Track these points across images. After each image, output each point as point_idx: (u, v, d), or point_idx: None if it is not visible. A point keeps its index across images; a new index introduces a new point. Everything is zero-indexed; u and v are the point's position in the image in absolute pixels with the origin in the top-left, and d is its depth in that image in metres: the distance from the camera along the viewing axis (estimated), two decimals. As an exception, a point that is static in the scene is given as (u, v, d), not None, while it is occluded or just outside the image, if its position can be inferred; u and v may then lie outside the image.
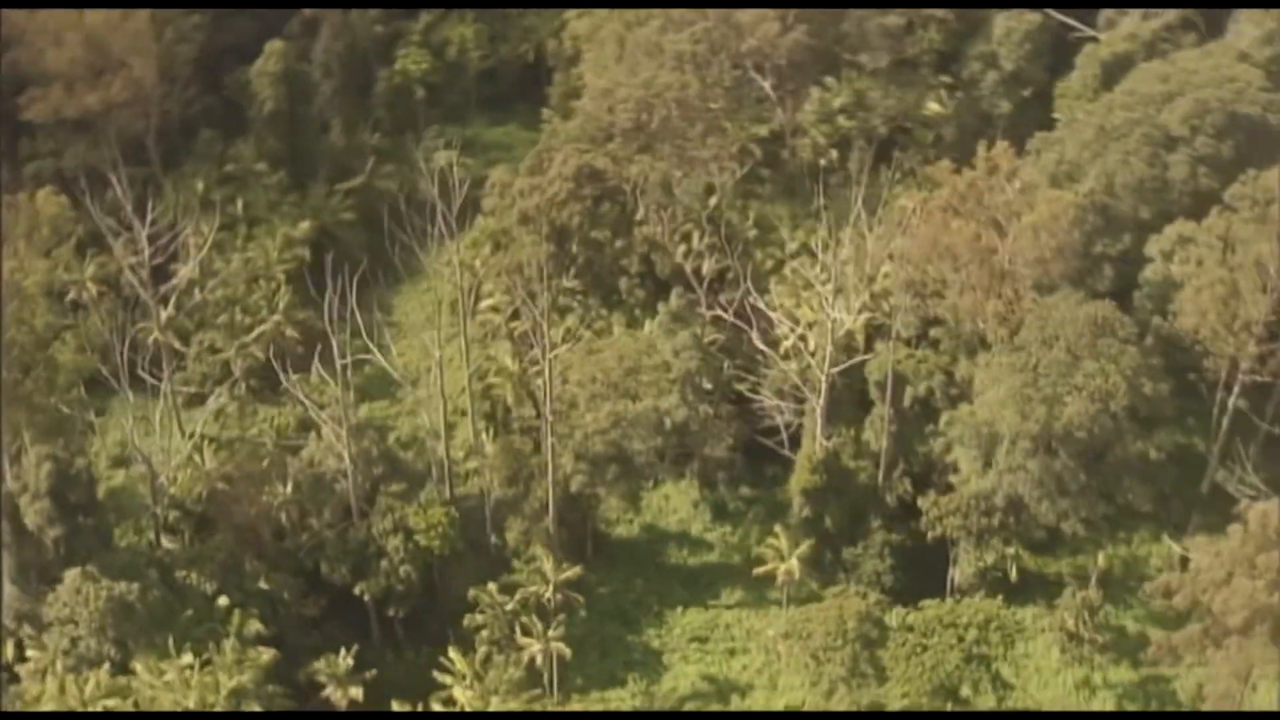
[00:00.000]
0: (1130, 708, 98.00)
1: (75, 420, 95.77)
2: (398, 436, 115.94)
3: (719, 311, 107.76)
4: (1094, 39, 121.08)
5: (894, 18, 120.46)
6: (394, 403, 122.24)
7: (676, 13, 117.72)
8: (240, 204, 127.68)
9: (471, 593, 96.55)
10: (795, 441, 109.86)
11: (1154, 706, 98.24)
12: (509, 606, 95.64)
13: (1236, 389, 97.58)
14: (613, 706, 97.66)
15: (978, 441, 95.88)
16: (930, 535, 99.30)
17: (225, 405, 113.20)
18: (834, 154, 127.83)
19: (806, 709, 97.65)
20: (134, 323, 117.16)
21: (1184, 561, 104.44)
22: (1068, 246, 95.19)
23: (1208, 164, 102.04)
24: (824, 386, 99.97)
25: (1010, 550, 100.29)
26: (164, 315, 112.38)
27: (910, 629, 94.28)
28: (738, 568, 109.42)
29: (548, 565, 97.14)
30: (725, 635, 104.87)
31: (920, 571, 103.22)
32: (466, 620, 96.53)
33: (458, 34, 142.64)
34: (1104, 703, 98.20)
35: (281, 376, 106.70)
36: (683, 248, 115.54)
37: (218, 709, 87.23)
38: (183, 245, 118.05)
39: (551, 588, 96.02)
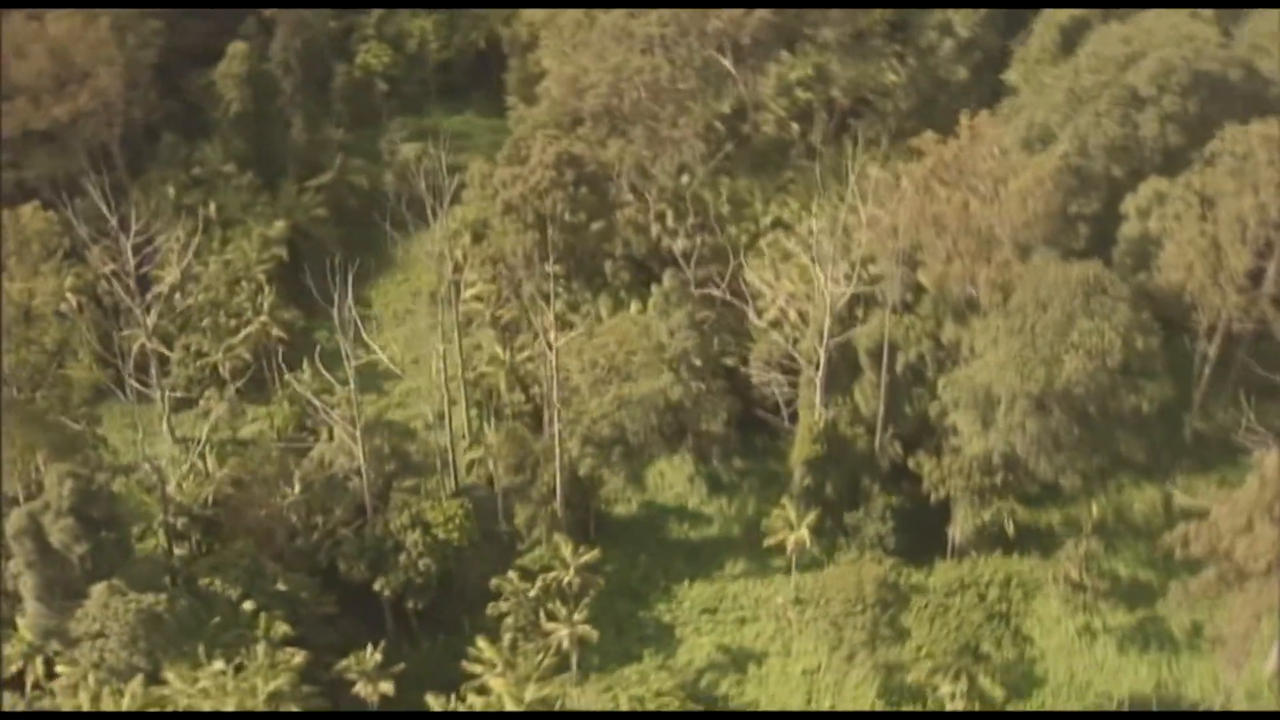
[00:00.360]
0: (1131, 650, 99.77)
1: (87, 435, 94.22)
2: (390, 428, 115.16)
3: (709, 290, 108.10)
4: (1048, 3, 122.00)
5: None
6: (381, 395, 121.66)
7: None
8: (213, 207, 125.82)
9: (494, 581, 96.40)
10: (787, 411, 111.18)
11: (1152, 647, 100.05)
12: (531, 593, 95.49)
13: (1217, 339, 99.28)
14: (633, 682, 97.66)
15: (975, 403, 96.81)
16: (934, 497, 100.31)
17: (218, 408, 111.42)
18: (795, 127, 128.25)
19: (826, 672, 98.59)
20: (118, 330, 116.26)
21: (1167, 504, 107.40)
22: (1052, 210, 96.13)
23: (1175, 121, 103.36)
24: (822, 359, 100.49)
25: (1007, 506, 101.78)
26: (151, 322, 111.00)
27: (931, 591, 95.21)
28: (738, 539, 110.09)
29: (566, 549, 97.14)
30: (734, 605, 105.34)
31: (919, 531, 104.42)
32: (490, 608, 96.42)
33: (417, 26, 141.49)
34: (1105, 647, 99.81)
35: (288, 378, 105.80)
36: (657, 227, 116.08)
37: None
38: (160, 251, 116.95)
39: (572, 571, 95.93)
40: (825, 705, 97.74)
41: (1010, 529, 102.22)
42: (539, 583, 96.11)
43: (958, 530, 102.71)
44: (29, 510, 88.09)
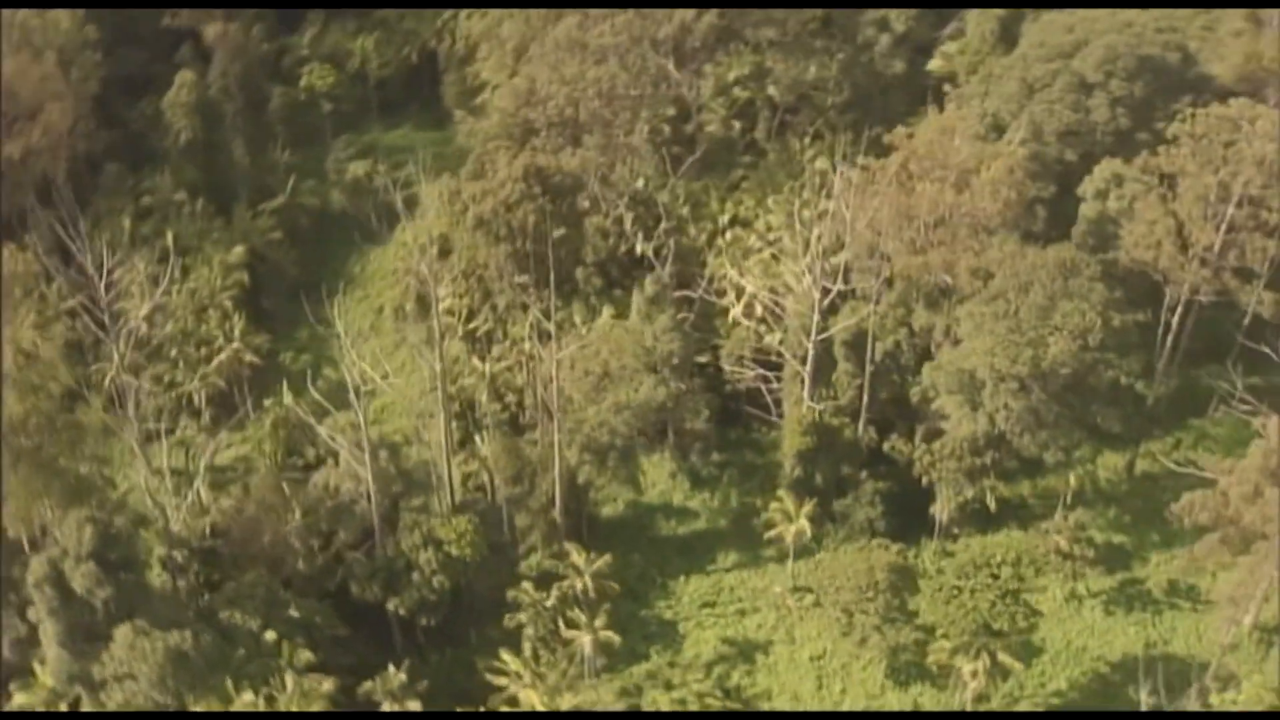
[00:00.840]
0: (1117, 613, 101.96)
1: (96, 478, 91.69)
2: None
3: (686, 291, 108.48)
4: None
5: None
6: (355, 413, 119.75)
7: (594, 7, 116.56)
8: (170, 236, 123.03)
9: (510, 593, 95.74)
10: (760, 404, 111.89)
11: (1135, 608, 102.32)
12: (549, 602, 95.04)
13: (1179, 311, 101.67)
14: (645, 682, 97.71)
15: (961, 387, 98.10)
16: (925, 480, 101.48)
17: (214, 439, 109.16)
18: (737, 126, 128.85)
19: (832, 657, 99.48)
20: (84, 365, 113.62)
21: (1130, 469, 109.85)
22: (1022, 197, 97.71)
23: (1123, 105, 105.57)
24: (810, 353, 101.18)
25: (989, 483, 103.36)
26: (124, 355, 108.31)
27: (937, 572, 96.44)
28: (726, 531, 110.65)
29: (579, 557, 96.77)
30: (731, 597, 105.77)
31: (904, 514, 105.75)
32: (507, 620, 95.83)
33: (358, 45, 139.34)
34: (1092, 610, 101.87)
35: (279, 402, 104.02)
36: (620, 232, 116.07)
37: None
38: (119, 283, 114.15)
39: (587, 577, 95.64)
40: (836, 689, 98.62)
41: (992, 505, 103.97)
42: (554, 591, 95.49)
43: (944, 510, 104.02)
44: (49, 558, 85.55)
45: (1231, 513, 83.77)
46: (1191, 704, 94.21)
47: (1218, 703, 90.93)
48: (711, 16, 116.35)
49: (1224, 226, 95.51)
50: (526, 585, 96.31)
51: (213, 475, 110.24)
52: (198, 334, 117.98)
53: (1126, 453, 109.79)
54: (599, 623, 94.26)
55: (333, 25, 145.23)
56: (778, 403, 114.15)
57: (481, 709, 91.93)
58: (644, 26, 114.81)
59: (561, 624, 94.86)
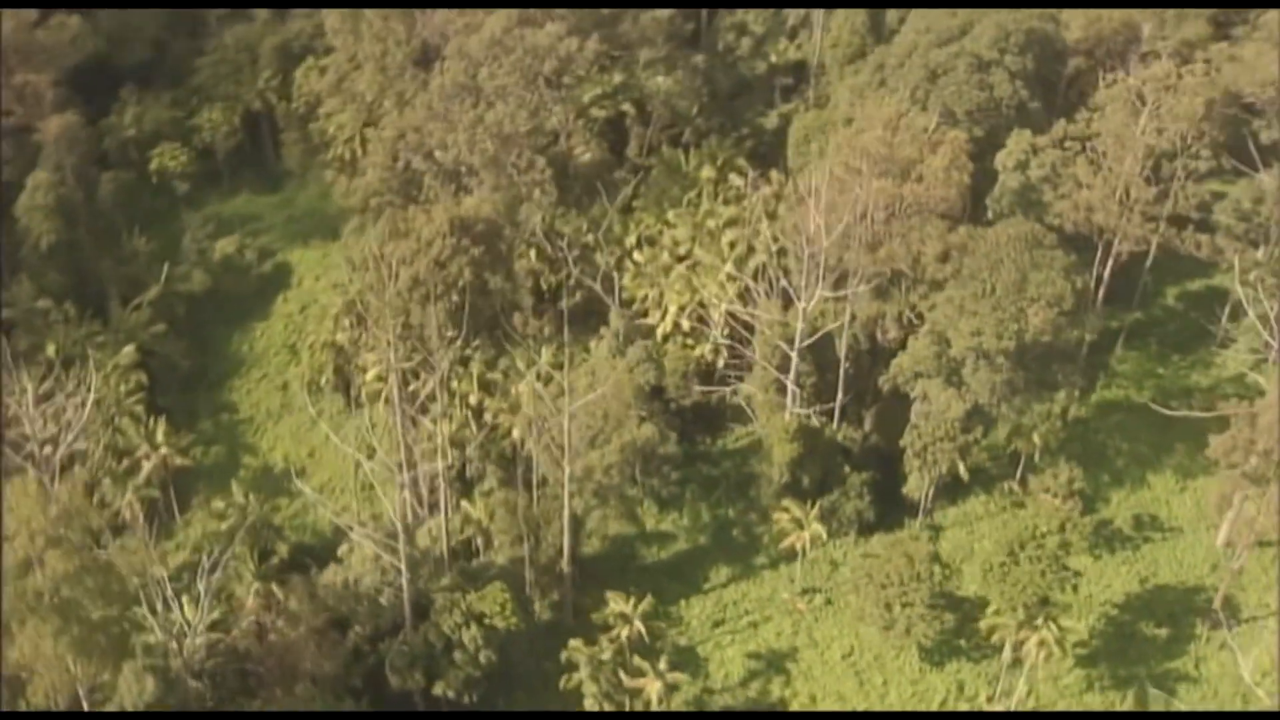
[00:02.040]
0: (1101, 555, 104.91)
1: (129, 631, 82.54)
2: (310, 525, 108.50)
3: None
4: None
5: (664, 10, 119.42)
6: (291, 497, 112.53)
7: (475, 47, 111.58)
8: (51, 348, 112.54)
9: (564, 655, 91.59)
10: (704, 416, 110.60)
11: (1116, 548, 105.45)
12: (605, 655, 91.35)
13: (1110, 264, 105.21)
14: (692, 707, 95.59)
15: (940, 370, 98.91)
16: (918, 465, 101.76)
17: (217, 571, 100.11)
18: (600, 144, 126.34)
19: (865, 652, 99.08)
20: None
21: (1064, 416, 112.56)
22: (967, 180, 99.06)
23: (1019, 78, 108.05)
24: (795, 361, 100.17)
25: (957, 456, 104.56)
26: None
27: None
28: (709, 548, 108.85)
29: (623, 604, 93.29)
30: (738, 612, 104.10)
31: (881, 501, 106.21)
32: (563, 681, 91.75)
33: (206, 119, 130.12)
34: (1081, 557, 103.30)
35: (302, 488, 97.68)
36: (542, 268, 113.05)
37: None
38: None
39: (637, 623, 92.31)
40: (878, 682, 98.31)
41: (964, 474, 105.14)
42: (608, 644, 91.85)
43: (926, 489, 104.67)
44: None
45: (1260, 447, 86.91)
46: (1206, 632, 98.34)
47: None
48: (593, 43, 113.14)
49: (1163, 180, 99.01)
50: (576, 642, 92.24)
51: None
52: (115, 445, 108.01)
53: (1058, 403, 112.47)
54: (663, 665, 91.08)
55: (148, 100, 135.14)
56: (726, 412, 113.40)
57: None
58: (532, 64, 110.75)
59: (623, 674, 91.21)
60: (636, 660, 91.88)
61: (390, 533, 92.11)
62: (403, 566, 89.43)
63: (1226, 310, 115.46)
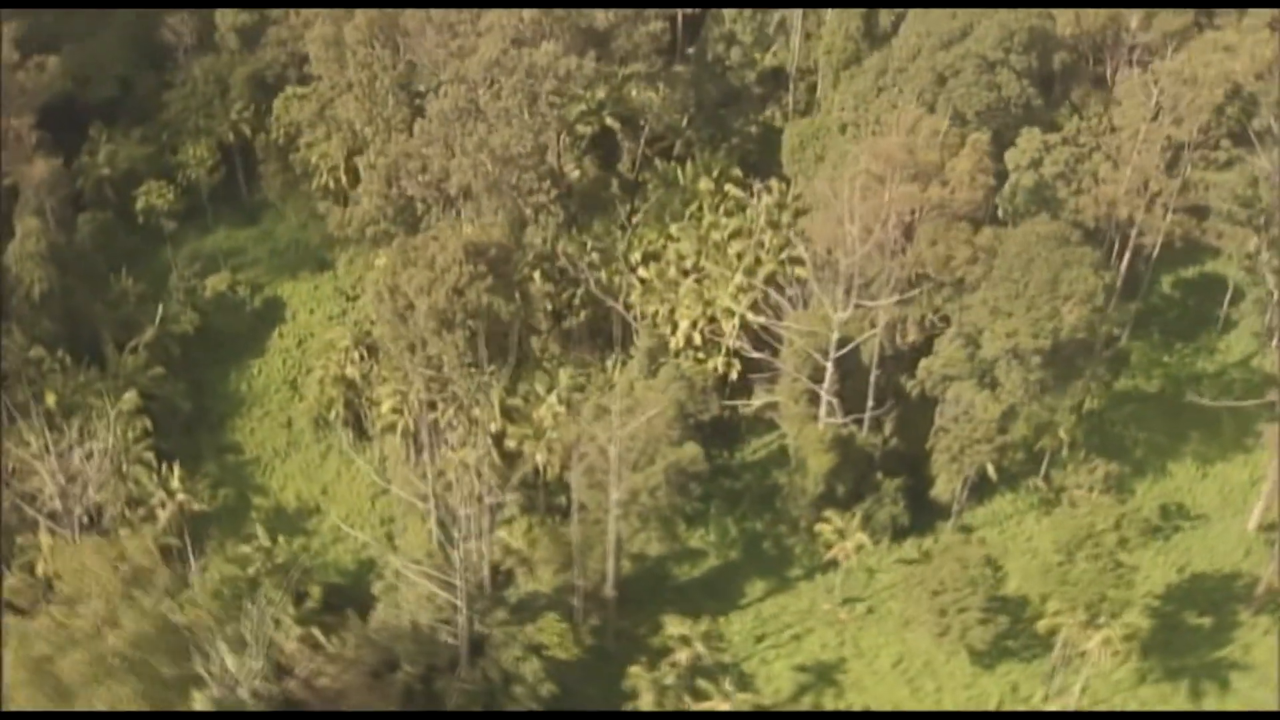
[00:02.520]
0: (1135, 547, 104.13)
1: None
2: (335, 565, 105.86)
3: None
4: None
5: (655, 24, 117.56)
6: (308, 536, 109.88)
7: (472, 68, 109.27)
8: (52, 399, 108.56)
9: (628, 682, 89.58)
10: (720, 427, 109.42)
11: (1149, 537, 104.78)
12: (669, 680, 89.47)
13: (1128, 256, 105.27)
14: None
15: (973, 373, 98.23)
16: (953, 468, 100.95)
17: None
18: (589, 161, 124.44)
19: (915, 659, 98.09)
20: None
21: (1079, 409, 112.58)
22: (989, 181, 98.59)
23: (1027, 77, 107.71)
24: (830, 373, 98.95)
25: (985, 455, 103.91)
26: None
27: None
28: (740, 563, 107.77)
29: (683, 626, 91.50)
30: (779, 625, 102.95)
31: (913, 505, 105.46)
32: (628, 708, 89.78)
33: (192, 154, 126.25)
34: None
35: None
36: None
37: None
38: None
39: (699, 644, 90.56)
40: (931, 688, 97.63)
41: (993, 473, 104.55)
42: (668, 668, 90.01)
43: (960, 491, 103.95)
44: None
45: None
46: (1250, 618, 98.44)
47: None
48: (589, 61, 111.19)
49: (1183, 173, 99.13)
50: (636, 669, 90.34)
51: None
52: (130, 495, 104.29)
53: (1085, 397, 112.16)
54: (730, 687, 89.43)
55: (117, 138, 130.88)
56: (742, 424, 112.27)
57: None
58: (533, 85, 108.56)
59: (688, 698, 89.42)
60: (699, 682, 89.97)
61: (438, 566, 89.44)
62: (460, 603, 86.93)
63: (1228, 295, 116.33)
